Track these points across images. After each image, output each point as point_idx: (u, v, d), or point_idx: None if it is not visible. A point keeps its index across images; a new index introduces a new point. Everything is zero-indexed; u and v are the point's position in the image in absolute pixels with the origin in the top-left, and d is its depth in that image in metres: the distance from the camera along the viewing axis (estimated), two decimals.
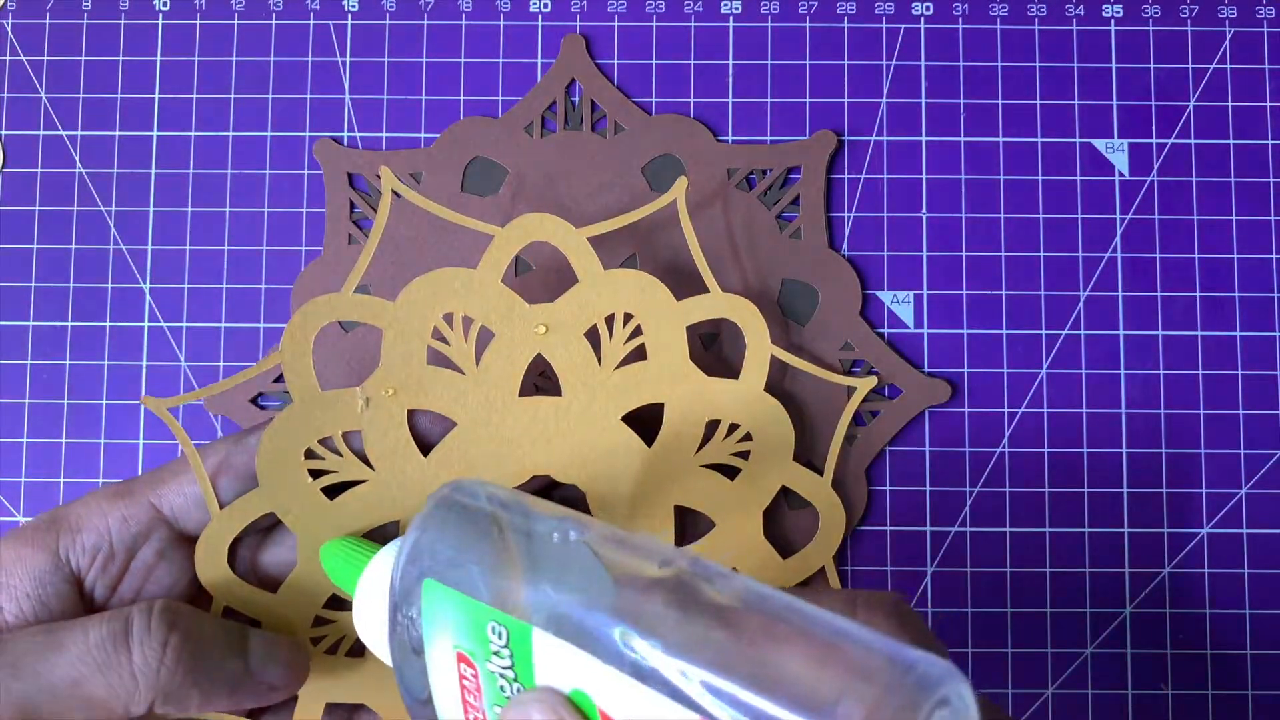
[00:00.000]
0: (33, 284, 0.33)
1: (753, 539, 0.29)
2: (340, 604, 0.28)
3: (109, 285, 0.33)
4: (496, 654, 0.19)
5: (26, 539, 0.25)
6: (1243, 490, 0.32)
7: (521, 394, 0.28)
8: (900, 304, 0.33)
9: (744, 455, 0.29)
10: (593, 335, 0.28)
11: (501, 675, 0.19)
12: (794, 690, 0.16)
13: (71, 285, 0.33)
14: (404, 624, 0.21)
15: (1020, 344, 0.32)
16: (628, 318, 0.28)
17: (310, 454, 0.27)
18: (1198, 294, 0.33)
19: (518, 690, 0.19)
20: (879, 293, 0.33)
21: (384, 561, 0.24)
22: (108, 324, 0.33)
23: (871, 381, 0.31)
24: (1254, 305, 0.33)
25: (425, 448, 0.28)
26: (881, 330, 0.33)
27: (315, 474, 0.27)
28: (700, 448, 0.29)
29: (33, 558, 0.25)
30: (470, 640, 0.19)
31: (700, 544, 0.29)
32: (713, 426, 0.29)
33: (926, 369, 0.32)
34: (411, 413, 0.28)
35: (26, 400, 0.32)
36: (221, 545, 0.27)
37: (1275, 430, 0.32)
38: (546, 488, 0.30)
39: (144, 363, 0.33)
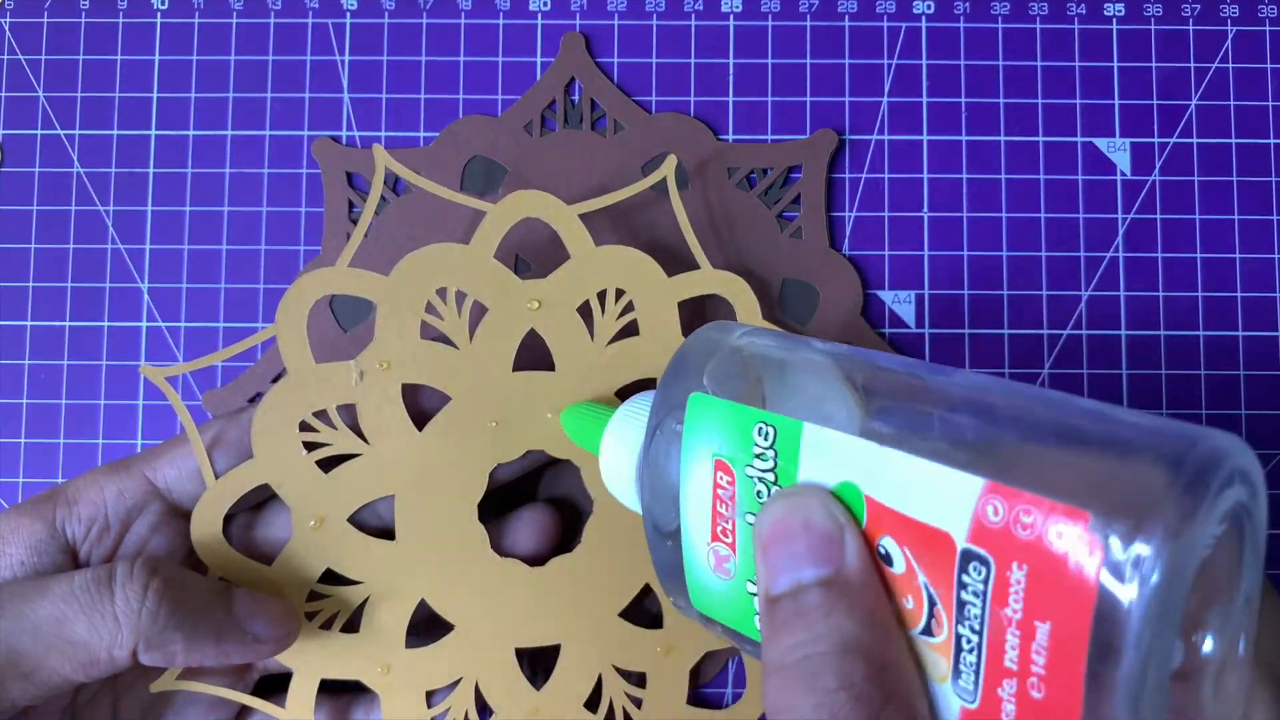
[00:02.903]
0: (30, 284, 0.33)
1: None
2: (335, 579, 0.28)
3: (107, 285, 0.33)
4: (759, 456, 0.19)
5: (25, 511, 0.26)
6: None
7: (516, 369, 0.28)
8: (901, 304, 0.33)
9: None
10: (585, 311, 0.28)
11: (760, 479, 0.20)
12: (1085, 445, 0.16)
13: (70, 285, 0.33)
14: (660, 442, 0.21)
15: (1022, 344, 0.32)
16: (619, 294, 0.28)
17: (305, 427, 0.27)
18: (1199, 294, 0.33)
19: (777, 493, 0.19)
20: (880, 292, 0.33)
21: (637, 405, 0.24)
22: (106, 324, 0.33)
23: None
24: (1256, 305, 0.32)
25: (421, 422, 0.28)
26: (883, 330, 0.32)
27: (310, 447, 0.27)
28: None
29: (29, 528, 0.25)
30: (733, 446, 0.20)
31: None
32: None
33: None
34: (408, 388, 0.28)
35: (25, 400, 0.32)
36: (216, 515, 0.27)
37: (1276, 430, 0.32)
38: (541, 464, 0.30)
39: (143, 363, 0.32)
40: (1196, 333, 0.32)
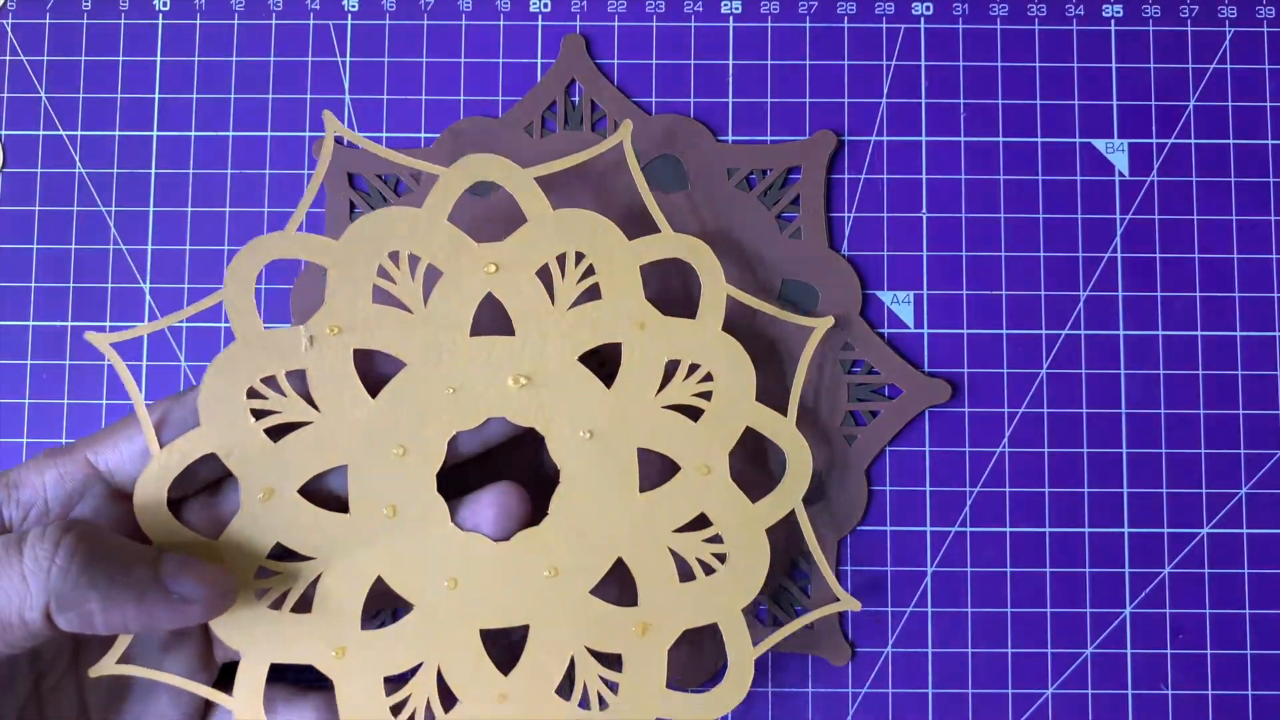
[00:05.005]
0: (32, 284, 0.33)
1: (719, 482, 0.28)
2: (288, 554, 0.27)
3: (109, 285, 0.33)
4: None
5: None
6: (1243, 490, 0.32)
7: (474, 334, 0.27)
8: (900, 304, 0.33)
9: (706, 396, 0.28)
10: (545, 276, 0.28)
11: None
12: None
13: (71, 285, 0.33)
14: None
15: (1020, 344, 0.32)
16: (579, 257, 0.28)
17: (253, 394, 0.27)
18: (1198, 294, 0.33)
19: None
20: (879, 293, 0.33)
21: None
22: (108, 324, 0.33)
23: (829, 321, 0.30)
24: (1254, 305, 0.33)
25: (375, 389, 0.27)
26: (881, 330, 0.33)
27: (259, 415, 0.27)
28: (661, 389, 0.28)
29: None
30: None
31: (666, 488, 0.28)
32: (673, 367, 0.28)
33: (926, 369, 0.32)
34: (361, 354, 0.27)
35: (26, 400, 0.32)
36: (160, 487, 0.26)
37: (1275, 430, 0.32)
38: (508, 437, 0.29)
39: (144, 363, 0.33)
40: (1195, 333, 0.32)
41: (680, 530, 0.28)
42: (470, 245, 0.27)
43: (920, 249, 0.33)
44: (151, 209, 0.33)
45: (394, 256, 0.27)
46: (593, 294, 0.28)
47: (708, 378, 0.28)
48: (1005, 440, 0.32)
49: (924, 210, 0.33)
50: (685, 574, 0.28)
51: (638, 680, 0.27)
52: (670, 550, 0.28)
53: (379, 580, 0.27)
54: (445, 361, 0.27)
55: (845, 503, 0.32)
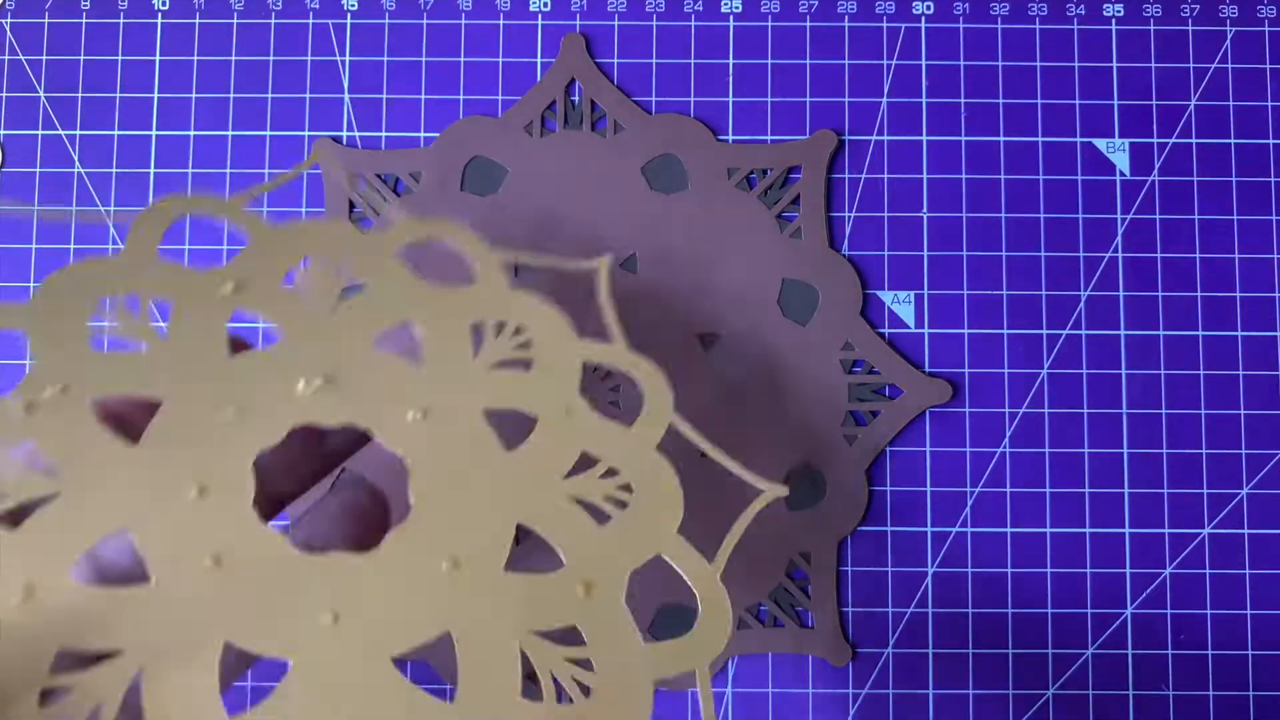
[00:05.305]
0: (32, 284, 0.33)
1: (587, 419, 0.24)
2: (76, 662, 0.22)
3: None
4: None
5: None
6: (1244, 490, 0.32)
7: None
8: (901, 304, 0.33)
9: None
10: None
11: None
12: None
13: None
14: None
15: (1021, 344, 0.32)
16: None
17: None
18: (1199, 294, 0.33)
19: None
20: (879, 292, 0.33)
21: None
22: (107, 324, 0.33)
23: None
24: (1255, 305, 0.32)
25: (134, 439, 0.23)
26: (882, 330, 0.33)
27: None
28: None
29: None
30: None
31: (533, 440, 0.24)
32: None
33: (927, 369, 0.32)
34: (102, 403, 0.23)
35: None
36: None
37: (1277, 430, 0.32)
38: (352, 441, 0.24)
39: None
40: (1196, 333, 0.32)
41: (570, 476, 0.24)
42: (191, 273, 0.24)
43: (921, 249, 0.33)
44: None
45: (104, 304, 0.24)
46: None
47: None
48: (1006, 440, 0.32)
49: (924, 210, 0.33)
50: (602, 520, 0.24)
51: (609, 647, 0.22)
52: (571, 498, 0.24)
53: (227, 648, 0.22)
54: (209, 387, 0.23)
55: (845, 503, 0.32)
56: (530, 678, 0.22)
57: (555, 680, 0.22)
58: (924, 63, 0.33)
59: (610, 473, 0.24)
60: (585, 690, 0.22)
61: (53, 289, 0.24)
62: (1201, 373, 0.32)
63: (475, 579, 0.22)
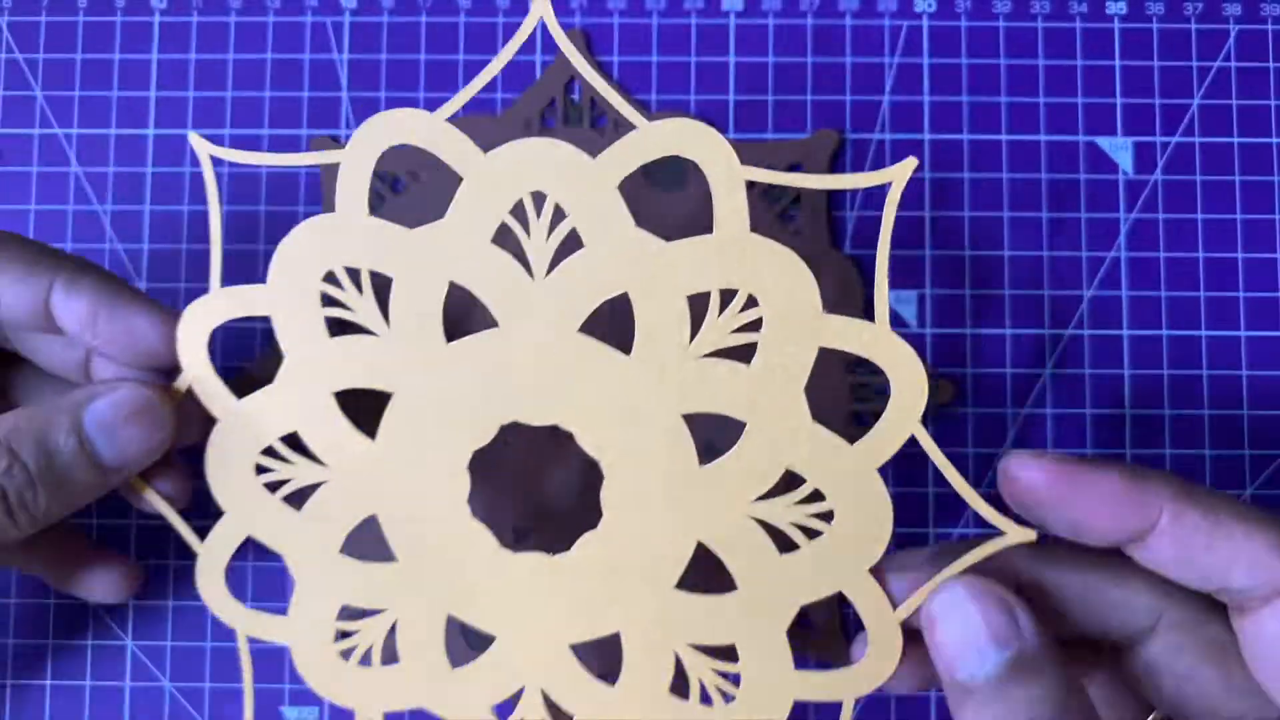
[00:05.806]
0: None
1: (800, 428, 0.23)
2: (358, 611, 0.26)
3: None
4: None
5: None
6: (1247, 491, 0.32)
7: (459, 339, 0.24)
8: (903, 303, 0.32)
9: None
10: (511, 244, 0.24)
11: None
12: None
13: None
14: None
15: (1023, 344, 0.32)
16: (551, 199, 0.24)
17: (261, 468, 0.25)
18: (1202, 293, 0.32)
19: None
20: None
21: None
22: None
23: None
24: (1259, 305, 0.32)
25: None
26: None
27: (273, 486, 0.25)
28: (693, 337, 0.23)
29: None
30: None
31: (735, 452, 0.23)
32: (703, 305, 0.23)
33: (929, 369, 0.32)
34: (348, 395, 0.25)
35: None
36: (214, 580, 0.26)
37: (1278, 430, 0.32)
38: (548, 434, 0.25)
39: None
40: (1199, 332, 0.32)
41: (766, 497, 0.23)
42: (403, 234, 0.24)
43: (922, 248, 0.33)
44: (147, 208, 0.33)
45: (330, 277, 0.24)
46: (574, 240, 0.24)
47: (751, 303, 0.23)
48: (1008, 441, 0.32)
49: (927, 209, 0.33)
50: (789, 546, 0.24)
51: (762, 669, 0.24)
52: (757, 521, 0.24)
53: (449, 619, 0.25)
54: (430, 379, 0.24)
55: None
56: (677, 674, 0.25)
57: (700, 685, 0.24)
58: (926, 61, 0.33)
59: (812, 497, 0.23)
60: (727, 699, 0.24)
61: (280, 267, 0.25)
62: (1205, 373, 0.32)
63: (648, 589, 0.24)
